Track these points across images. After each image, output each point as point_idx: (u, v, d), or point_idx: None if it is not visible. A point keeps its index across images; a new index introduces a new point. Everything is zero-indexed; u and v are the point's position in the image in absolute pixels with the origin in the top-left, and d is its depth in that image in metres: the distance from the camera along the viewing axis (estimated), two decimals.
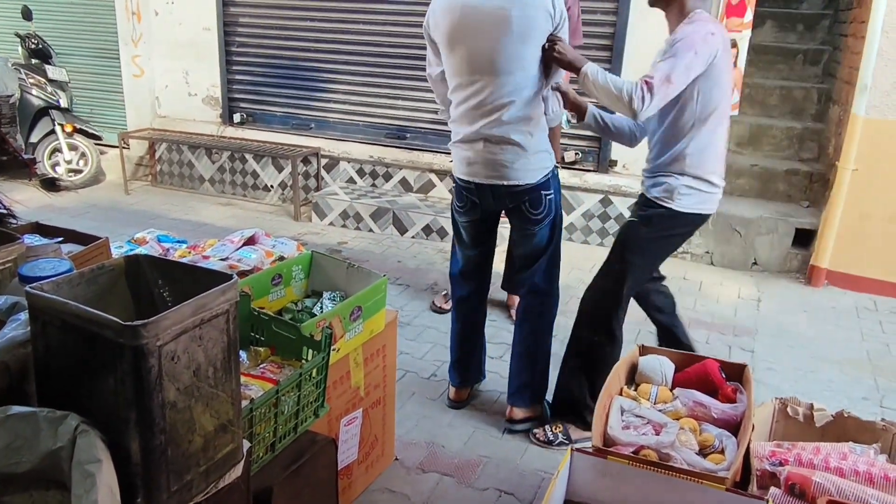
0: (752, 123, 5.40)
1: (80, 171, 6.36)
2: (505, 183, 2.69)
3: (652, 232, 2.70)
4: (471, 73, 2.61)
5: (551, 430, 2.92)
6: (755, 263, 4.91)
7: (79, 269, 1.38)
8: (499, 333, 3.77)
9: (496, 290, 3.96)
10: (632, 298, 2.92)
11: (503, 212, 2.88)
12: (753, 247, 4.88)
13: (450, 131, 2.83)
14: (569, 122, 2.99)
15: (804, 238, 4.80)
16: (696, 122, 2.55)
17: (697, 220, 2.72)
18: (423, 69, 5.30)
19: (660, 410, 2.10)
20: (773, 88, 5.53)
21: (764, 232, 4.83)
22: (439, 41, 2.67)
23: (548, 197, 2.75)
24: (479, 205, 2.81)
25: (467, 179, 2.77)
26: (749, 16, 4.68)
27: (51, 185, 2.17)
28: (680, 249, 4.94)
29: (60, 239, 2.22)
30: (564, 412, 2.94)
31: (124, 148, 6.35)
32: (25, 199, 2.81)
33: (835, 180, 4.51)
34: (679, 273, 4.78)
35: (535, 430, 2.94)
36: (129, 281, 1.42)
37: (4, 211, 1.96)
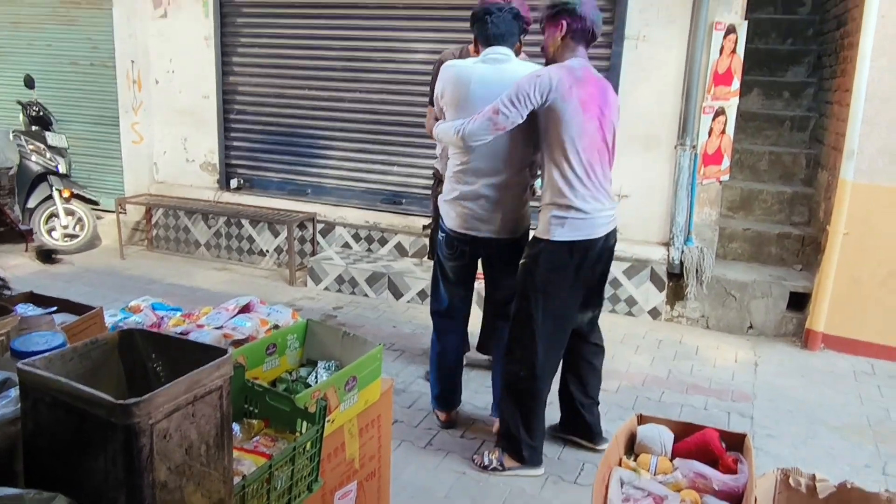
0: (744, 188, 5.48)
1: (76, 237, 6.38)
2: (495, 237, 3.05)
3: (539, 267, 2.90)
4: None
5: (488, 455, 3.14)
6: (751, 327, 4.90)
7: (72, 342, 1.37)
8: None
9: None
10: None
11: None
12: (749, 310, 4.88)
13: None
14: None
15: (799, 301, 4.81)
16: (550, 155, 2.83)
17: (578, 247, 2.87)
18: (418, 135, 5.44)
19: (660, 482, 2.07)
20: (762, 154, 5.63)
21: (759, 295, 4.84)
22: (447, 107, 3.03)
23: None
24: (469, 252, 3.16)
25: (462, 232, 3.08)
26: (736, 84, 4.81)
27: (47, 256, 2.18)
28: (675, 313, 4.96)
29: (54, 309, 2.21)
30: (505, 440, 3.13)
31: (121, 213, 6.38)
32: (21, 265, 2.81)
33: (826, 244, 4.55)
34: (675, 337, 4.77)
35: (475, 455, 3.18)
36: (122, 355, 1.41)
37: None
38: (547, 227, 2.87)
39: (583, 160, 2.80)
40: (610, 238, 3.01)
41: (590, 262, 2.94)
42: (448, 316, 3.38)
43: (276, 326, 2.64)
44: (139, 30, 6.32)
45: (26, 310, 2.14)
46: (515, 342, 3.03)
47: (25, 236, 1.93)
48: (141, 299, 2.98)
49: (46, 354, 1.26)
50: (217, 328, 2.57)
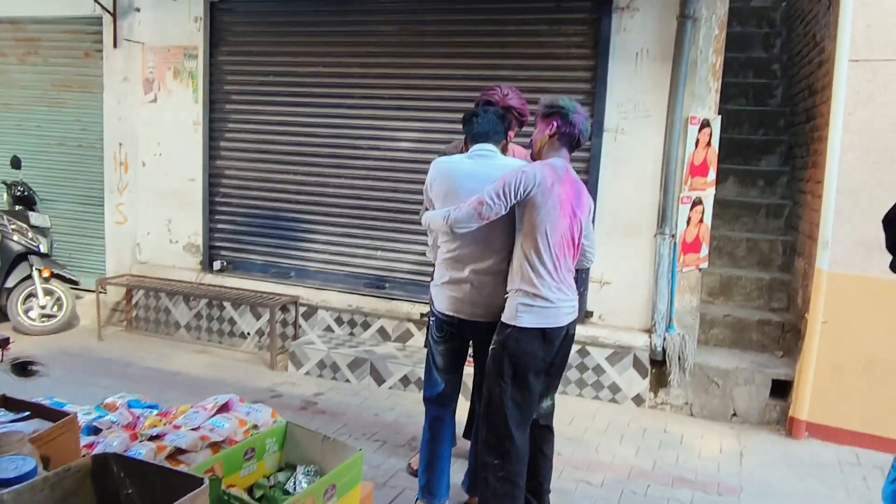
0: (723, 274, 5.55)
1: (53, 317, 6.32)
2: (482, 320, 3.15)
3: (507, 352, 3.01)
4: None
5: None
6: (735, 415, 4.89)
7: (45, 452, 1.33)
8: None
9: None
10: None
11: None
12: (732, 397, 4.88)
13: (428, 280, 3.24)
14: None
15: (781, 389, 4.82)
16: (523, 244, 2.99)
17: (543, 334, 3.00)
18: (402, 221, 5.51)
19: None
20: (739, 240, 5.74)
21: (741, 383, 4.85)
22: (435, 198, 3.22)
23: None
24: (458, 335, 3.29)
25: (451, 315, 3.21)
26: (712, 175, 4.94)
27: (22, 369, 2.16)
28: (659, 401, 4.95)
29: (27, 414, 2.16)
30: None
31: (101, 293, 6.34)
32: None
33: (806, 332, 4.59)
34: (659, 425, 4.74)
35: None
36: (95, 482, 1.38)
37: None
38: (514, 313, 3.01)
39: (553, 253, 2.97)
40: (571, 327, 3.16)
41: (553, 349, 3.09)
42: (439, 403, 3.44)
43: (255, 427, 2.60)
44: (129, 113, 6.42)
45: None
46: (490, 429, 3.09)
47: (1, 346, 1.91)
48: (117, 396, 2.92)
49: (14, 489, 1.24)
50: (194, 429, 2.52)
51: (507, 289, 3.08)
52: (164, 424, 2.59)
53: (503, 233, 3.11)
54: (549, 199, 2.93)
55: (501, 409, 3.04)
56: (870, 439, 4.47)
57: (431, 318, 3.41)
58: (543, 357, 3.05)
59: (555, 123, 3.04)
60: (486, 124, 3.22)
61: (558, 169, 3.00)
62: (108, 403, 2.85)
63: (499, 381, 3.04)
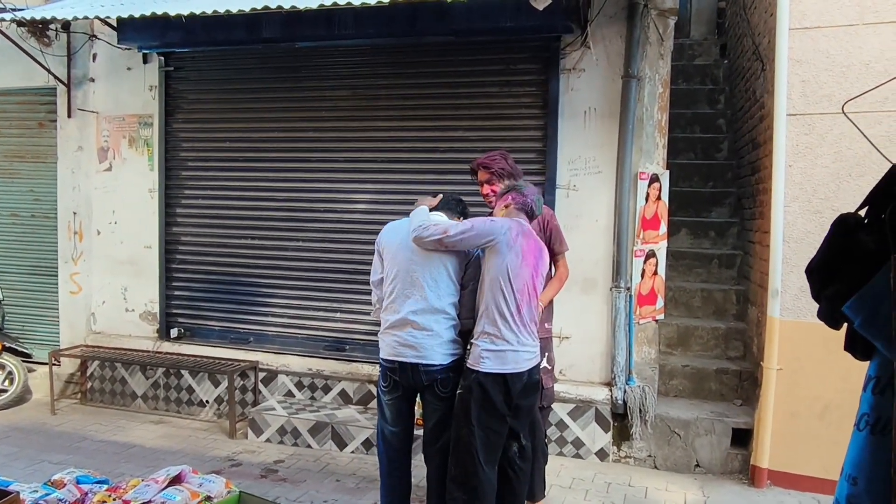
0: (679, 325, 5.63)
1: (4, 391, 6.13)
2: (423, 362, 3.34)
3: (473, 396, 3.23)
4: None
5: None
6: (698, 465, 4.90)
7: None
8: None
9: None
10: None
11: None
12: (694, 448, 4.90)
13: None
14: None
15: (742, 437, 4.86)
16: (487, 291, 3.26)
17: (505, 378, 3.22)
18: (359, 282, 5.52)
19: None
20: (694, 291, 5.85)
21: (702, 433, 4.88)
22: (384, 253, 3.58)
23: (453, 380, 3.38)
24: (401, 384, 3.44)
25: (392, 359, 3.41)
26: (663, 228, 5.06)
27: None
28: (623, 454, 4.95)
29: None
30: None
31: (55, 365, 6.18)
32: None
33: (762, 380, 4.66)
34: (624, 479, 4.73)
35: None
36: None
37: None
38: (478, 358, 3.25)
39: (515, 298, 3.23)
40: (534, 373, 3.37)
41: (516, 391, 3.27)
42: (388, 455, 3.63)
43: (208, 498, 2.54)
44: (83, 182, 6.39)
45: None
46: (458, 466, 3.27)
47: None
48: (66, 472, 2.84)
49: None
50: (145, 503, 2.46)
51: (473, 334, 3.33)
52: (114, 500, 2.52)
53: (445, 275, 3.39)
54: (513, 249, 3.25)
55: (469, 448, 3.24)
56: (830, 485, 4.44)
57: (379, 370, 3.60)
58: (505, 400, 3.25)
59: (509, 197, 3.50)
60: (445, 203, 3.68)
61: (522, 225, 3.36)
62: (55, 480, 2.76)
63: (466, 423, 3.25)
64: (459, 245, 3.31)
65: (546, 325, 3.90)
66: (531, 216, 3.52)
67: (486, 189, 3.84)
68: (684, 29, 7.99)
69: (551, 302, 4.02)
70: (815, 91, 4.49)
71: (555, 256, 3.97)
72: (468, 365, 3.31)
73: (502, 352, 3.23)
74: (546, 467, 4.10)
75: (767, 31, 5.06)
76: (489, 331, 3.25)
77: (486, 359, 3.23)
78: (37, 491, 2.65)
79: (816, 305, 1.94)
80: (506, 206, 3.49)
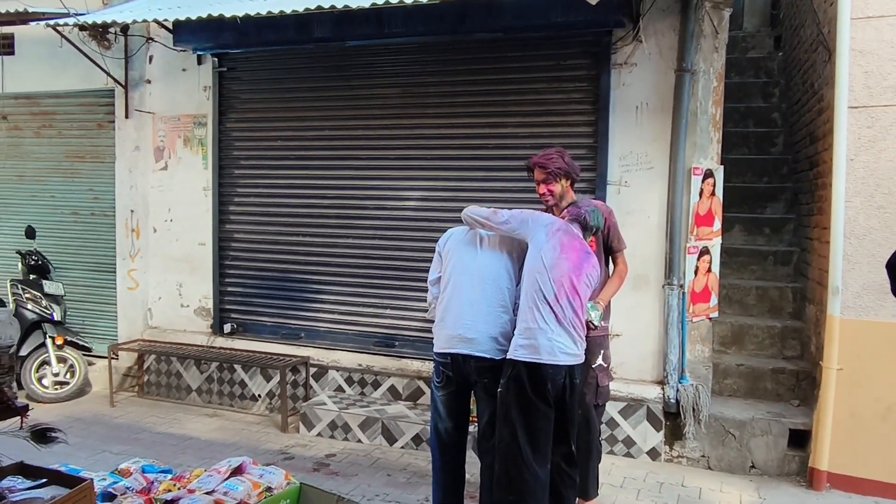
0: (734, 323, 5.53)
1: (66, 384, 6.33)
2: (476, 354, 3.35)
3: (510, 394, 3.22)
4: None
5: None
6: (753, 466, 4.81)
7: None
8: None
9: None
10: None
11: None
12: (749, 449, 4.80)
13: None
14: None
15: (800, 439, 4.74)
16: (525, 280, 3.33)
17: (542, 370, 3.19)
18: (410, 278, 5.55)
19: None
20: (749, 289, 5.73)
21: (758, 433, 4.78)
22: (444, 253, 3.64)
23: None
24: (454, 379, 3.45)
25: (445, 351, 3.43)
26: (718, 225, 4.97)
27: (41, 437, 2.18)
28: (675, 454, 4.88)
29: (44, 481, 2.17)
30: None
31: (113, 359, 6.36)
32: (10, 424, 2.80)
33: (821, 380, 4.54)
34: (676, 479, 4.66)
35: None
36: None
37: None
38: (514, 349, 3.26)
39: (553, 289, 3.21)
40: (575, 373, 3.30)
41: (555, 387, 3.21)
42: (443, 451, 3.61)
43: (268, 489, 2.59)
44: (140, 181, 6.56)
45: (14, 483, 2.10)
46: (502, 467, 3.23)
47: (21, 415, 1.94)
48: (131, 461, 2.92)
49: None
50: (208, 493, 2.52)
51: (516, 328, 3.33)
52: (179, 489, 2.59)
53: (500, 269, 3.46)
54: (551, 240, 3.29)
55: (512, 447, 3.19)
56: (893, 489, 4.38)
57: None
58: (542, 392, 3.20)
59: (566, 211, 3.61)
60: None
61: (570, 226, 3.43)
62: (122, 469, 2.85)
63: (507, 422, 3.21)
64: (504, 226, 3.40)
65: (603, 322, 3.87)
66: (585, 227, 3.51)
67: (543, 189, 3.81)
68: (737, 21, 7.81)
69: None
70: (879, 82, 4.36)
71: (613, 254, 3.94)
72: (507, 357, 3.30)
73: (536, 341, 3.20)
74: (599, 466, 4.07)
75: (828, 21, 4.93)
76: (524, 320, 3.26)
77: (520, 347, 3.23)
78: (105, 479, 2.73)
79: (881, 304, 1.89)
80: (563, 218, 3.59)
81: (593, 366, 3.84)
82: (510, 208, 3.61)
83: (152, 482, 2.72)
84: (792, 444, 4.75)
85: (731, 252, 5.93)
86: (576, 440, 3.51)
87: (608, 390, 4.05)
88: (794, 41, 6.68)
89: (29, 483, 2.11)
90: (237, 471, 2.71)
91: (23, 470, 2.22)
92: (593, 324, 3.56)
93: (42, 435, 2.15)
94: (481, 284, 3.43)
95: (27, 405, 2.10)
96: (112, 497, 2.55)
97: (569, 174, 3.82)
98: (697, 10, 4.73)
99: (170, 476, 2.80)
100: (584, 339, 3.39)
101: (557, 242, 3.29)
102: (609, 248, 3.93)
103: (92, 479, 2.21)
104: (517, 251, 3.50)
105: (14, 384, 2.12)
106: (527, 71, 5.25)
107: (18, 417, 2.05)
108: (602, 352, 3.89)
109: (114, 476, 2.76)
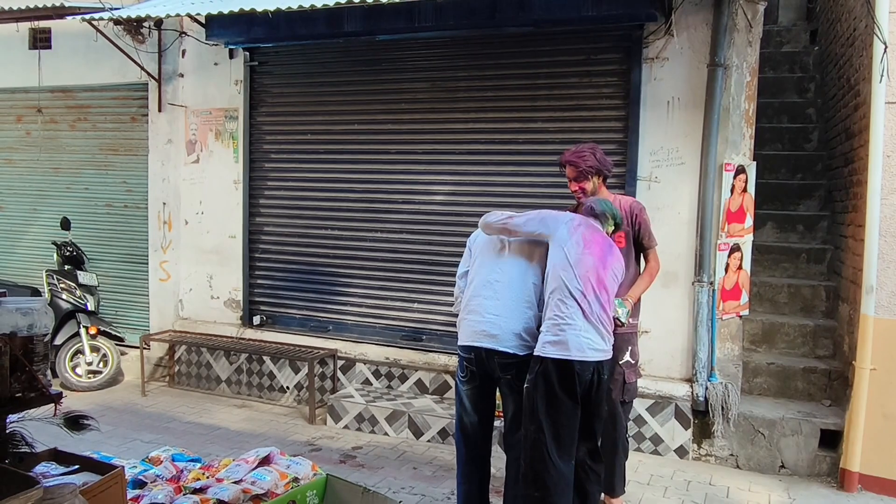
0: (765, 321, 5.45)
1: (99, 373, 6.46)
2: (499, 348, 3.33)
3: (537, 391, 3.20)
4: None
5: None
6: (783, 466, 4.74)
7: None
8: None
9: None
10: None
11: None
12: (779, 449, 4.74)
13: None
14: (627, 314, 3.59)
15: (831, 439, 4.67)
16: (550, 279, 3.31)
17: (568, 366, 3.17)
18: (437, 273, 5.56)
19: None
20: (781, 286, 5.64)
21: (788, 433, 4.71)
22: (474, 247, 3.65)
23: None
24: (478, 374, 3.43)
25: (469, 345, 3.41)
26: (749, 222, 4.91)
27: (74, 423, 2.23)
28: (703, 452, 4.84)
29: (76, 467, 2.22)
30: None
31: (145, 349, 6.47)
32: (45, 410, 2.86)
33: (854, 380, 4.46)
34: (704, 478, 4.62)
35: None
36: None
37: (26, 449, 1.98)
38: (541, 345, 3.24)
39: (579, 285, 3.20)
40: (603, 369, 3.28)
41: (582, 382, 3.19)
42: (468, 445, 3.59)
43: (295, 479, 2.62)
44: (172, 174, 6.65)
45: (48, 469, 2.15)
46: (528, 462, 3.22)
47: (55, 401, 1.99)
48: (161, 450, 2.97)
49: None
50: (236, 482, 2.55)
51: (542, 324, 3.32)
52: (207, 478, 2.62)
53: (525, 264, 3.45)
54: (574, 236, 3.28)
55: (538, 444, 3.18)
56: None
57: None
58: (570, 388, 3.17)
59: (582, 209, 3.60)
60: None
61: (589, 220, 3.37)
62: (152, 457, 2.90)
63: (533, 418, 3.20)
64: (523, 228, 3.38)
65: (631, 319, 3.84)
66: (599, 217, 3.48)
67: (574, 186, 3.80)
68: (772, 15, 7.67)
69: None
70: None
71: (644, 251, 3.91)
72: (535, 353, 3.28)
73: (564, 337, 3.18)
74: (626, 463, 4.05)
75: (864, 15, 4.82)
76: (551, 317, 3.24)
77: (548, 343, 3.21)
78: (136, 467, 2.78)
79: None
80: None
81: (620, 362, 3.82)
82: (539, 205, 3.62)
83: (182, 470, 2.77)
84: (823, 445, 4.68)
85: (763, 249, 5.85)
86: (601, 436, 3.50)
87: (635, 387, 4.02)
88: (830, 35, 6.55)
89: (62, 469, 2.15)
90: (265, 461, 2.74)
91: (56, 456, 2.27)
92: (620, 321, 3.53)
93: (75, 422, 2.19)
94: (507, 280, 3.43)
95: (61, 393, 2.15)
96: (143, 484, 2.60)
97: (600, 171, 3.80)
98: (731, 3, 4.66)
99: (199, 465, 2.84)
100: (612, 334, 3.36)
101: (580, 238, 3.28)
102: (640, 245, 3.90)
103: (123, 467, 2.25)
104: (543, 249, 3.48)
105: (48, 372, 2.16)
106: (557, 65, 5.22)
107: (52, 405, 2.10)
108: (630, 348, 3.86)
109: (144, 464, 2.81)
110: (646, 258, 3.94)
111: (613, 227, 3.50)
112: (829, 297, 5.54)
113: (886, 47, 4.28)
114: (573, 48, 5.16)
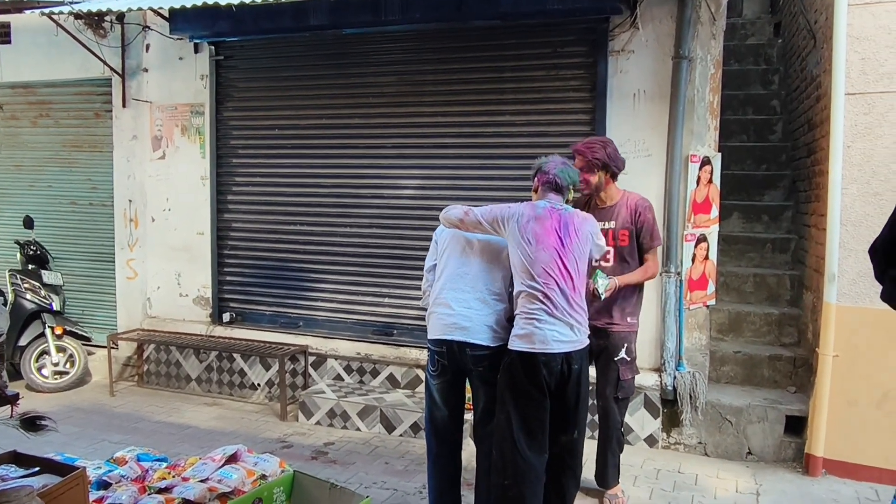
0: (731, 310, 5.53)
1: (66, 374, 6.36)
2: (468, 341, 3.32)
3: (506, 376, 3.26)
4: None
5: None
6: (750, 452, 4.82)
7: None
8: None
9: None
10: None
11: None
12: (746, 435, 4.82)
13: None
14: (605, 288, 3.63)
15: (796, 425, 4.76)
16: (514, 276, 3.33)
17: (536, 359, 3.18)
18: (407, 267, 5.55)
19: None
20: (746, 276, 5.72)
21: (755, 420, 4.79)
22: (440, 241, 3.62)
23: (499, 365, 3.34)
24: (449, 368, 3.42)
25: (439, 338, 3.40)
26: (715, 212, 4.96)
27: (30, 424, 2.19)
28: (672, 440, 4.90)
29: (37, 469, 2.18)
30: None
31: (113, 348, 6.38)
32: (2, 412, 2.81)
33: (818, 367, 4.55)
34: (673, 466, 4.68)
35: None
36: None
37: None
38: (511, 339, 3.27)
39: (538, 282, 3.21)
40: (573, 360, 3.25)
41: (551, 374, 3.20)
42: (438, 438, 3.60)
43: (263, 477, 2.61)
44: (138, 171, 6.55)
45: (7, 472, 2.12)
46: (498, 451, 3.26)
47: (11, 403, 1.95)
48: (126, 450, 2.94)
49: None
50: (202, 481, 2.53)
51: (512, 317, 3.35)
52: (173, 477, 2.60)
53: (494, 257, 3.45)
54: (525, 234, 3.27)
55: (507, 433, 3.21)
56: (889, 474, 4.39)
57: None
58: (535, 381, 3.20)
59: (536, 179, 3.51)
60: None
61: (538, 208, 3.36)
62: (117, 457, 2.86)
63: (503, 408, 3.25)
64: (480, 226, 3.38)
65: (629, 319, 3.89)
66: (560, 190, 3.44)
67: (581, 176, 3.81)
68: (736, 7, 7.76)
69: (638, 296, 4.01)
70: (876, 69, 4.34)
71: (644, 251, 3.93)
72: (508, 347, 3.31)
73: (530, 330, 3.21)
74: (593, 452, 4.10)
75: (824, 7, 4.90)
76: (518, 312, 3.29)
77: (515, 337, 3.25)
78: (100, 467, 2.74)
79: (875, 291, 1.89)
80: (535, 192, 3.54)
81: (616, 359, 3.88)
82: (508, 198, 3.63)
83: (147, 470, 2.74)
84: (788, 431, 4.76)
85: (729, 239, 5.93)
86: (581, 431, 3.48)
87: (632, 384, 4.05)
88: (792, 28, 6.65)
89: (21, 472, 2.12)
90: (232, 459, 2.72)
91: (16, 458, 2.23)
92: (598, 292, 3.55)
93: (32, 423, 2.15)
94: (476, 272, 3.43)
95: (17, 394, 2.11)
96: (107, 485, 2.56)
97: (607, 166, 3.83)
98: None
99: (165, 464, 2.81)
100: (585, 320, 3.34)
101: (532, 235, 3.26)
102: (640, 245, 3.92)
103: (85, 468, 2.21)
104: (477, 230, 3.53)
105: (4, 373, 2.12)
106: (524, 59, 5.23)
107: (9, 406, 2.06)
108: (626, 346, 3.91)
109: (109, 464, 2.77)
110: (644, 258, 3.97)
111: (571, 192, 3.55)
112: (793, 286, 5.63)
113: (816, 42, 4.35)
114: (539, 41, 5.17)
